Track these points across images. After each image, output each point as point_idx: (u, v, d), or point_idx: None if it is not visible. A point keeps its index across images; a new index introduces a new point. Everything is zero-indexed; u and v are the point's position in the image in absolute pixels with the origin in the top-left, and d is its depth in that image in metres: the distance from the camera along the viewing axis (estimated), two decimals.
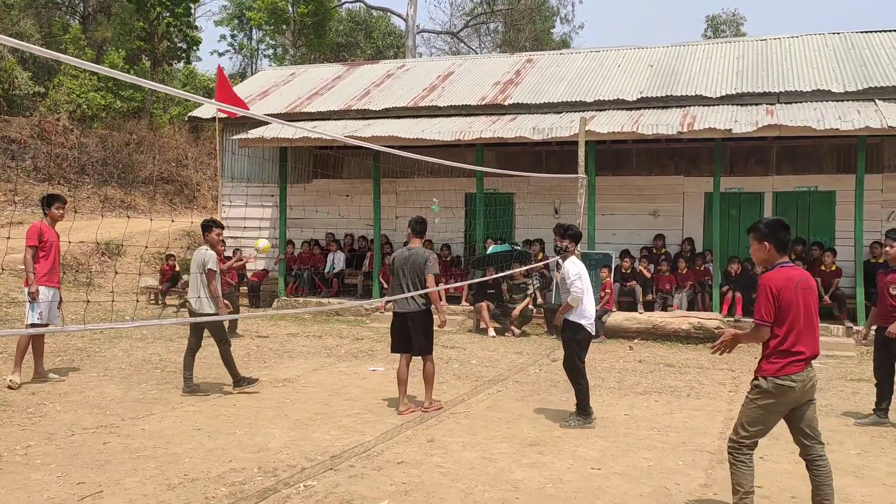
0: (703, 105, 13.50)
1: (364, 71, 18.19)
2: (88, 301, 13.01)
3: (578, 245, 7.36)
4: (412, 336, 7.13)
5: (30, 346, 7.90)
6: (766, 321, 4.45)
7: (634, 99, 14.00)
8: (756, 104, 13.19)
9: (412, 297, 7.04)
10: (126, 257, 17.36)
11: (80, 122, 27.51)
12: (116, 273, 15.58)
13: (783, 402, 4.40)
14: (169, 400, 7.39)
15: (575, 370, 6.88)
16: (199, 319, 7.64)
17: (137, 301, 14.75)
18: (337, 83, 17.42)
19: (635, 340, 11.62)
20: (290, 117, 15.34)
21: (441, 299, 8.10)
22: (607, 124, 12.63)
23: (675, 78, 14.54)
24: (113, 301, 13.56)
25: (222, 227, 8.19)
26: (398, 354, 7.29)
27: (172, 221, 17.13)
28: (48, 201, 8.08)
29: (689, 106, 13.52)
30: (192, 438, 6.09)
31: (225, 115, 13.48)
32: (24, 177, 23.34)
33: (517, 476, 5.36)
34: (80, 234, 15.15)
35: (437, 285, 7.34)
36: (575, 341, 6.88)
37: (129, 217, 20.32)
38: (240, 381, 7.82)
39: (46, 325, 7.70)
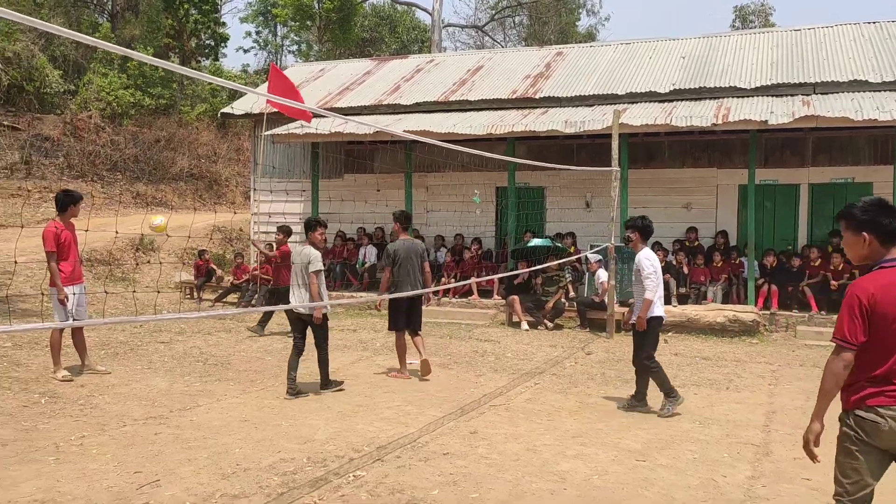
0: (738, 96, 13.39)
1: (393, 66, 18.25)
2: (134, 292, 13.23)
3: (647, 239, 7.33)
4: (414, 315, 8.45)
5: (63, 342, 7.94)
6: (850, 343, 3.31)
7: (667, 91, 13.93)
8: (792, 95, 13.07)
9: (415, 283, 8.29)
10: (159, 253, 17.60)
11: (110, 119, 27.90)
12: (161, 263, 15.82)
13: (874, 444, 3.28)
14: (213, 392, 7.51)
15: (650, 357, 6.99)
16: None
17: (184, 297, 14.96)
18: (367, 78, 17.50)
19: (670, 333, 11.58)
20: (320, 114, 15.42)
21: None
22: (640, 117, 12.58)
23: (709, 69, 14.44)
24: (158, 293, 13.77)
25: (325, 226, 7.96)
26: (400, 334, 8.44)
27: (195, 211, 17.32)
28: (66, 200, 7.90)
29: (723, 97, 13.43)
30: (240, 429, 6.20)
31: (273, 111, 13.53)
32: (57, 174, 23.72)
33: (563, 467, 5.39)
34: (113, 230, 15.39)
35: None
36: (655, 333, 7.02)
37: (140, 211, 20.58)
38: (327, 384, 7.66)
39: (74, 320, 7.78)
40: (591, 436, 6.22)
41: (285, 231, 11.24)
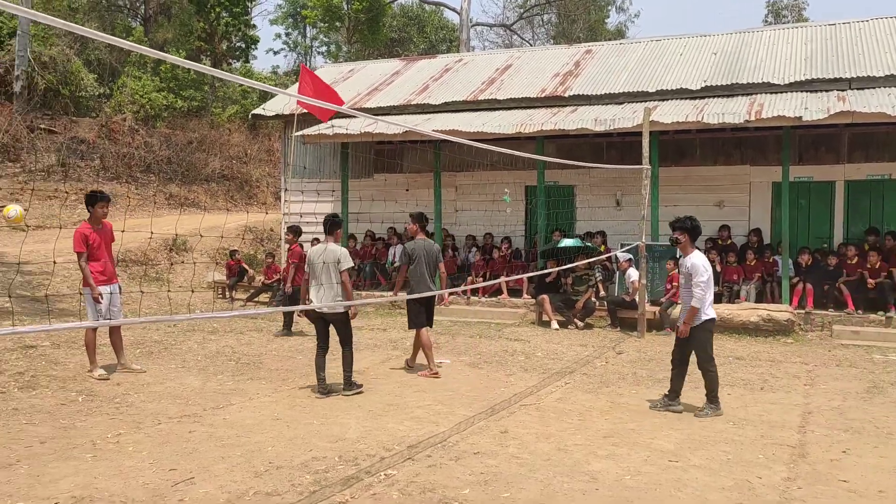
0: (771, 92, 13.20)
1: (422, 66, 18.28)
2: (169, 291, 13.43)
3: (695, 240, 7.18)
4: (431, 312, 8.75)
5: (98, 341, 8.07)
6: None
7: (698, 88, 13.77)
8: (827, 90, 12.85)
9: (432, 282, 8.69)
10: (192, 253, 17.83)
11: (143, 122, 28.33)
12: (195, 263, 16.03)
13: None
14: (246, 391, 7.59)
15: (708, 359, 6.92)
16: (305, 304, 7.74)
17: (216, 297, 15.14)
18: (395, 78, 17.55)
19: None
20: (350, 114, 15.51)
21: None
22: (671, 114, 12.45)
23: (741, 65, 14.24)
24: (192, 292, 13.96)
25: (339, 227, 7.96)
26: (414, 329, 8.72)
27: (228, 212, 17.51)
28: (91, 200, 8.02)
29: (756, 93, 13.24)
30: (272, 428, 6.26)
31: (303, 112, 13.64)
32: (93, 176, 24.13)
33: (594, 467, 5.36)
34: (146, 230, 15.65)
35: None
36: (709, 332, 6.96)
37: (173, 212, 20.85)
38: (350, 386, 7.56)
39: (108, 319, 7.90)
40: (622, 436, 6.18)
41: (295, 231, 11.36)
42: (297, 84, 12.72)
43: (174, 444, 5.73)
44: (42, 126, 25.32)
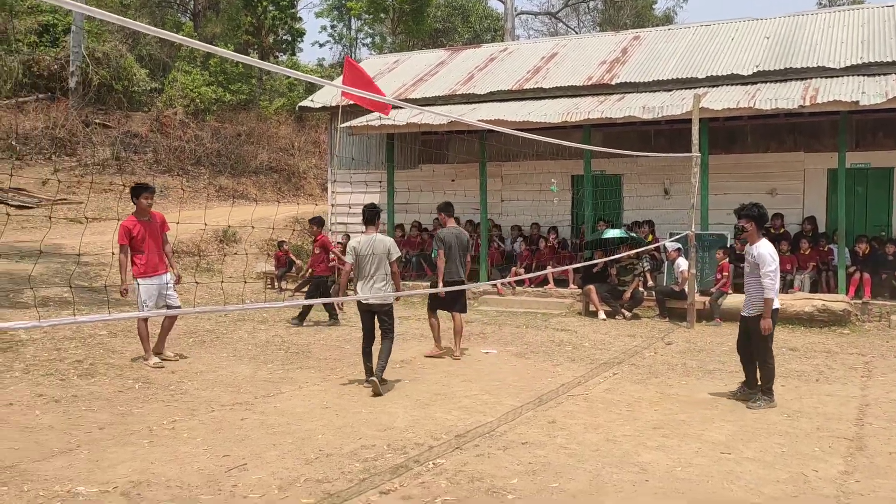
0: (826, 76, 12.82)
1: (467, 55, 18.23)
2: (222, 282, 13.69)
3: (762, 228, 6.99)
4: (456, 299, 8.98)
5: (148, 331, 8.25)
6: None
7: (750, 73, 13.45)
8: (885, 74, 12.41)
9: (460, 268, 9.02)
10: (241, 244, 18.13)
11: (193, 115, 28.85)
12: (246, 253, 16.30)
13: None
14: (295, 379, 7.70)
15: (766, 351, 6.80)
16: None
17: (266, 287, 15.38)
18: (440, 69, 17.54)
19: None
20: (396, 105, 15.57)
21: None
22: (722, 100, 12.20)
23: (794, 49, 13.87)
24: (245, 283, 14.21)
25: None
26: (434, 313, 9.11)
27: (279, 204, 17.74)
28: (136, 192, 8.13)
29: (811, 78, 12.88)
30: (322, 416, 6.34)
31: (349, 103, 13.73)
32: (146, 169, 24.69)
33: (644, 459, 5.31)
34: (196, 222, 15.95)
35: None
36: (772, 324, 6.82)
37: (223, 204, 21.17)
38: (382, 380, 7.34)
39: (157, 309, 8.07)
40: (672, 427, 6.10)
41: (318, 222, 11.51)
42: (342, 76, 12.81)
43: (227, 430, 5.85)
44: (97, 121, 25.98)
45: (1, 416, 6.06)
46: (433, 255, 9.46)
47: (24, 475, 4.78)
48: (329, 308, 11.42)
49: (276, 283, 15.54)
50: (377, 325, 7.56)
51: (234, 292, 13.91)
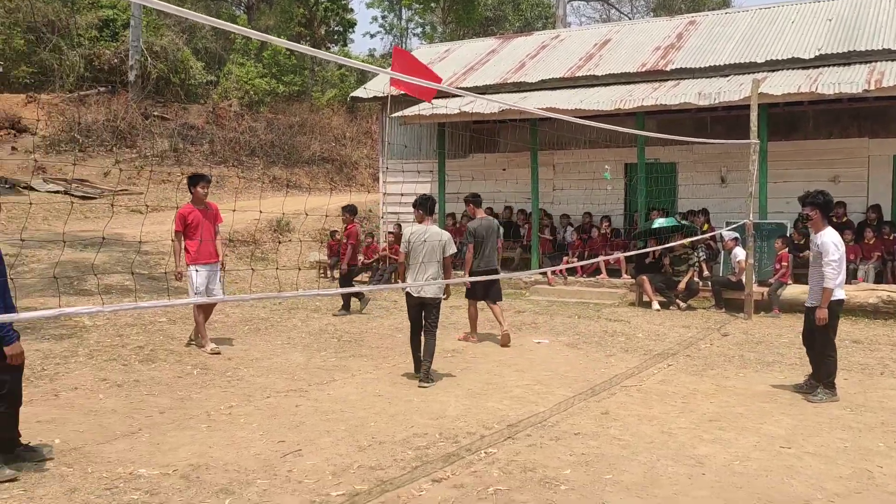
0: (892, 60, 12.35)
1: (518, 43, 18.08)
2: (277, 269, 13.91)
3: (828, 216, 6.80)
4: (492, 287, 9.13)
5: (203, 316, 8.45)
6: None
7: (811, 57, 13.05)
8: None
9: (492, 257, 9.27)
10: (294, 233, 18.40)
11: (248, 107, 29.32)
12: (301, 241, 16.53)
13: None
14: (348, 367, 7.78)
15: (828, 344, 6.64)
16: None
17: (319, 276, 15.58)
18: (491, 57, 17.45)
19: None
20: (446, 94, 15.55)
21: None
22: (782, 85, 11.85)
23: (858, 32, 13.38)
24: (299, 270, 14.41)
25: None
26: (473, 303, 9.33)
27: (332, 191, 17.90)
28: (192, 181, 8.35)
29: (876, 61, 12.42)
30: (375, 404, 6.39)
31: (399, 93, 13.79)
32: (202, 160, 25.20)
33: (700, 452, 5.21)
34: (253, 212, 16.23)
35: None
36: (834, 315, 6.65)
37: (277, 194, 21.45)
38: (428, 378, 7.16)
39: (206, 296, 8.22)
40: (729, 420, 5.98)
41: (351, 211, 11.51)
42: (391, 66, 12.84)
43: (282, 417, 5.94)
44: (155, 113, 26.62)
45: (67, 400, 6.27)
46: (463, 249, 9.53)
47: (89, 457, 4.94)
48: (345, 297, 11.38)
49: (328, 272, 15.72)
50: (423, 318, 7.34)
51: (287, 281, 14.12)
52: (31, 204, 15.28)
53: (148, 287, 12.29)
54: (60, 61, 26.89)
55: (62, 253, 13.28)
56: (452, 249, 7.43)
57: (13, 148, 22.80)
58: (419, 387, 6.98)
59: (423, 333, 7.33)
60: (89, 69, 27.32)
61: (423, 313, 7.33)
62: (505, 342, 8.95)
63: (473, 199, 9.52)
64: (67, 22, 27.42)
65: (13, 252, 11.72)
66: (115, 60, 27.73)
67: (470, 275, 9.11)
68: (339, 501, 4.31)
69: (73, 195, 19.55)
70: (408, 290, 7.24)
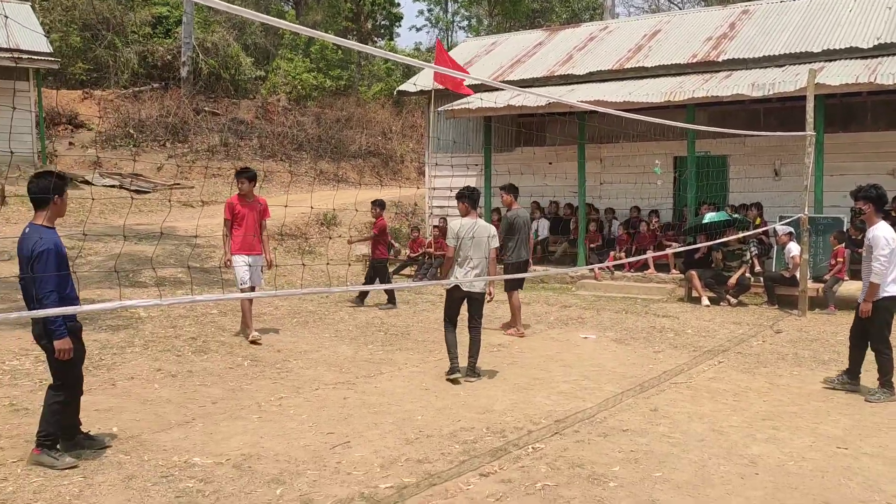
0: None
1: (565, 35, 17.91)
2: (328, 264, 14.06)
3: (880, 209, 6.68)
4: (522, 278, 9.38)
5: (250, 307, 8.66)
6: None
7: (870, 46, 12.62)
8: None
9: (525, 250, 9.48)
10: (341, 227, 18.55)
11: (295, 102, 29.66)
12: (350, 235, 16.67)
13: None
14: (395, 361, 7.83)
15: (883, 340, 6.52)
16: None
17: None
18: (538, 49, 17.32)
19: None
20: (492, 87, 15.48)
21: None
22: (839, 76, 11.52)
23: None
24: (349, 265, 14.55)
25: None
26: (509, 290, 9.41)
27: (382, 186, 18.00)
28: (237, 175, 8.63)
29: None
30: (421, 397, 6.42)
31: (441, 88, 13.83)
32: (251, 154, 25.60)
33: (753, 451, 5.12)
34: (299, 206, 16.43)
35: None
36: (888, 311, 6.52)
37: (324, 188, 21.61)
38: (475, 372, 7.14)
39: (253, 288, 8.42)
40: (783, 419, 5.86)
41: (380, 205, 11.47)
42: (434, 60, 12.88)
43: (331, 409, 6.01)
44: (206, 108, 27.11)
45: (123, 389, 6.45)
46: (505, 236, 9.40)
47: (145, 445, 5.07)
48: (388, 291, 11.36)
49: None
50: (465, 313, 7.15)
51: (335, 274, 14.26)
52: (92, 199, 15.70)
53: (200, 279, 12.53)
54: (115, 58, 27.58)
55: (122, 246, 13.63)
56: (496, 243, 7.40)
57: (70, 143, 23.48)
58: (464, 381, 6.94)
59: (469, 329, 7.18)
60: (143, 66, 27.96)
61: (467, 308, 7.16)
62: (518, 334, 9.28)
63: (511, 189, 9.48)
64: (122, 19, 28.09)
65: (71, 245, 12.07)
66: (168, 57, 28.33)
67: (509, 267, 9.40)
68: (387, 493, 4.35)
69: (127, 189, 20.05)
70: (455, 284, 7.00)
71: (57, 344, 4.61)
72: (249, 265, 8.49)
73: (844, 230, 11.56)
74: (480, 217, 7.50)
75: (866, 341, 6.65)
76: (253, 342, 8.33)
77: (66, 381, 4.77)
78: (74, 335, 4.78)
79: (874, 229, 6.51)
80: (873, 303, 6.46)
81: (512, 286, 9.42)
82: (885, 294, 6.41)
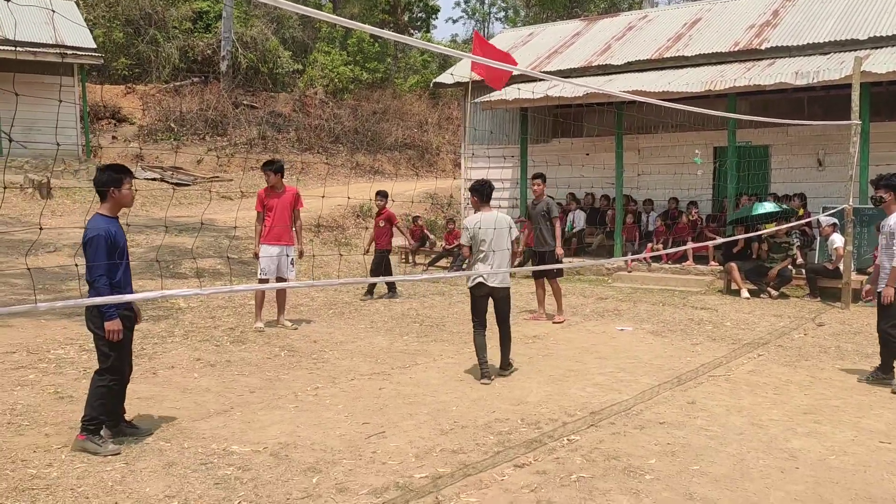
0: None
1: (603, 25, 17.72)
2: (365, 254, 14.15)
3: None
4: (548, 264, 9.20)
5: (264, 298, 8.89)
6: None
7: None
8: None
9: (547, 238, 9.58)
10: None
11: (332, 94, 29.82)
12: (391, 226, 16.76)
13: None
14: (430, 352, 7.85)
15: (893, 326, 6.50)
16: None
17: (401, 261, 15.79)
18: (576, 40, 17.16)
19: None
20: (530, 78, 15.38)
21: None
22: (887, 63, 11.20)
23: None
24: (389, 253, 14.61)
25: None
26: (537, 280, 9.80)
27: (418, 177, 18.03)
28: (262, 167, 8.84)
29: None
30: (456, 388, 6.43)
31: (478, 78, 13.80)
32: (288, 147, 25.84)
33: (793, 445, 5.03)
34: (336, 198, 16.55)
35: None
36: None
37: (360, 180, 21.70)
38: (508, 366, 7.01)
39: (281, 279, 8.60)
40: (825, 413, 5.74)
41: (383, 195, 11.45)
42: (471, 50, 12.81)
43: (366, 399, 6.06)
44: (245, 102, 27.42)
45: (164, 378, 6.57)
46: (554, 219, 9.63)
47: (185, 433, 5.16)
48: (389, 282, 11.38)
49: (410, 258, 15.89)
50: (491, 311, 6.85)
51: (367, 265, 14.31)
52: (137, 190, 15.98)
53: (238, 271, 12.71)
54: (157, 53, 28.04)
55: (163, 238, 13.87)
56: (516, 233, 7.03)
57: (113, 137, 23.95)
58: (500, 375, 6.86)
59: (498, 324, 6.93)
60: (184, 60, 28.39)
61: (492, 304, 6.86)
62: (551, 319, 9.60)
63: (542, 177, 9.81)
64: (163, 14, 28.53)
65: None
66: (208, 51, 28.71)
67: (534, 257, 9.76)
68: (422, 483, 4.37)
69: (168, 182, 20.39)
70: (478, 281, 6.68)
71: (107, 325, 4.74)
72: (276, 255, 8.61)
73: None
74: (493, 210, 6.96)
75: None
76: (258, 331, 8.53)
77: (113, 364, 4.87)
78: (127, 322, 4.90)
79: (894, 217, 6.56)
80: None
81: (538, 273, 9.74)
82: None
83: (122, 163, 5.42)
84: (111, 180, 4.90)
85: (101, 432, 4.84)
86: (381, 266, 11.47)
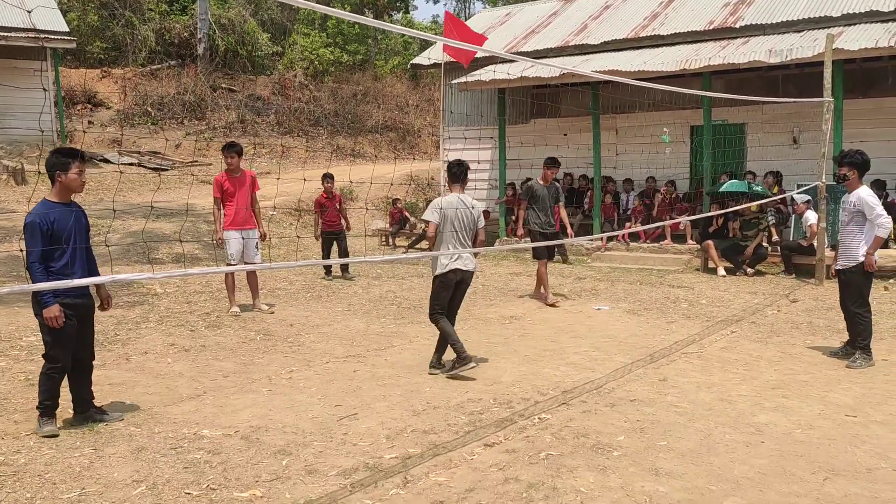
0: None
1: (581, 4, 17.65)
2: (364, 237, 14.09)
3: (863, 176, 6.72)
4: (555, 247, 9.64)
5: (235, 282, 8.84)
6: None
7: (891, 9, 12.31)
8: None
9: (552, 221, 9.78)
10: (357, 202, 18.58)
11: (312, 77, 29.57)
12: (366, 209, 16.68)
13: None
14: (406, 334, 7.87)
15: (861, 304, 6.57)
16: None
17: (380, 244, 15.74)
18: (553, 20, 17.10)
19: (891, 280, 10.49)
20: (505, 59, 15.32)
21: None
22: (859, 40, 11.26)
23: None
24: (365, 238, 14.58)
25: None
26: (541, 261, 9.63)
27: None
28: (223, 150, 8.73)
29: None
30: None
31: (452, 60, 13.73)
32: (268, 130, 25.64)
33: (760, 419, 5.10)
34: (311, 181, 16.43)
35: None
36: (867, 275, 6.57)
37: (341, 163, 21.60)
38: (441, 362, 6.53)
39: (237, 264, 8.55)
40: (793, 388, 5.82)
41: (330, 178, 11.49)
42: (443, 32, 12.77)
43: (340, 381, 6.07)
44: (223, 85, 27.14)
45: (137, 364, 6.55)
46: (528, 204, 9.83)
47: (156, 418, 5.16)
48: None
49: (389, 240, 15.87)
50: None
51: (350, 248, 14.28)
52: (121, 173, 15.85)
53: (217, 255, 12.63)
54: (132, 36, 27.65)
55: (142, 225, 13.76)
56: (483, 222, 6.52)
57: (89, 122, 23.64)
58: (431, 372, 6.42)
59: (451, 312, 6.54)
60: (160, 43, 28.01)
61: (457, 291, 6.49)
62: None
63: (550, 164, 9.90)
64: None
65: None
66: (185, 34, 28.34)
67: (537, 235, 9.75)
68: (391, 464, 4.40)
69: (146, 167, 20.20)
70: (451, 267, 6.26)
71: (44, 312, 4.68)
72: (242, 240, 8.59)
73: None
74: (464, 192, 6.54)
75: None
76: (234, 315, 8.52)
77: (50, 353, 4.83)
78: (75, 310, 4.83)
79: (858, 192, 6.58)
80: (852, 267, 6.54)
81: (537, 255, 9.75)
82: (864, 258, 6.48)
83: (74, 147, 5.30)
84: (58, 164, 4.77)
85: (54, 413, 4.88)
86: (329, 246, 11.56)
